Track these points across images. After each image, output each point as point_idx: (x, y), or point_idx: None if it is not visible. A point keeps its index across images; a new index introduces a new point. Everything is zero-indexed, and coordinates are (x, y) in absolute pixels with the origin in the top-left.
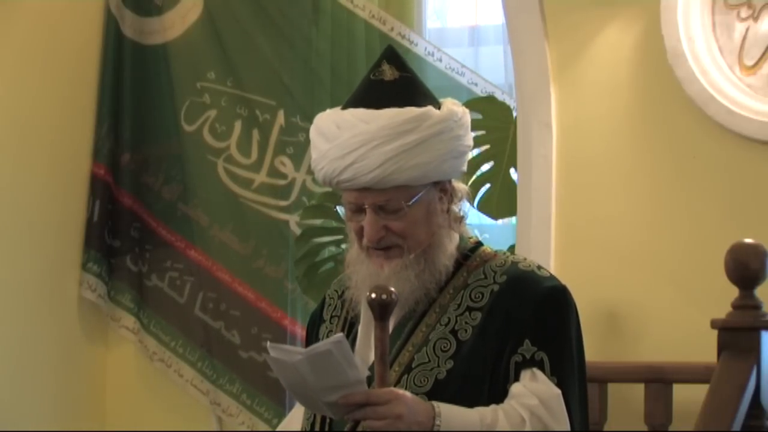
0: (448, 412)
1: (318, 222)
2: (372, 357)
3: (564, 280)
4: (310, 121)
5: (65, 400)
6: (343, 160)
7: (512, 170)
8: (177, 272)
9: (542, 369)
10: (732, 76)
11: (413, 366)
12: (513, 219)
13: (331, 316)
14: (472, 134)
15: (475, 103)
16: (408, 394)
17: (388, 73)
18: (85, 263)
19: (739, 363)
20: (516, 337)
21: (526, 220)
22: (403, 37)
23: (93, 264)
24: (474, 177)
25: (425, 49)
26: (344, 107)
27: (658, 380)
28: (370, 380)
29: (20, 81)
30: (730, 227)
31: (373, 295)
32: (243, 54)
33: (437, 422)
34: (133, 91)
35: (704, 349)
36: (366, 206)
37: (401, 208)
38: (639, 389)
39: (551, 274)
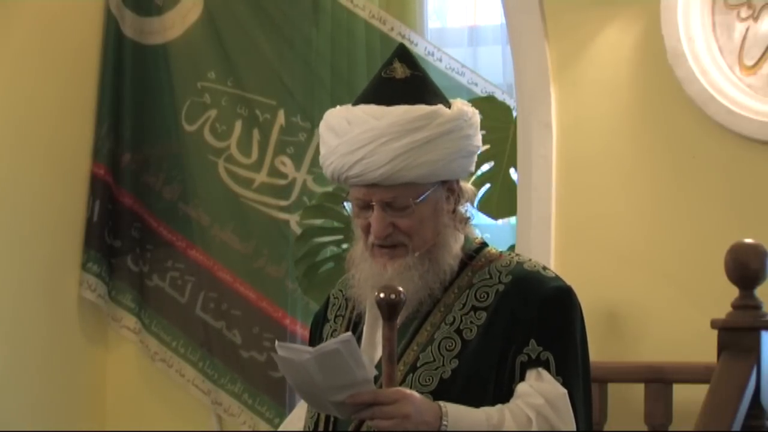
0: (455, 412)
1: (318, 222)
2: (377, 356)
3: (564, 280)
4: (311, 120)
5: (65, 400)
6: (352, 155)
7: (512, 170)
8: (178, 272)
9: (548, 369)
10: (732, 76)
11: (418, 365)
12: (513, 219)
13: (336, 316)
14: None
15: (475, 103)
16: (415, 393)
17: (400, 71)
18: (85, 263)
19: (739, 363)
20: (521, 337)
21: (526, 220)
22: (403, 37)
23: (93, 264)
24: (474, 177)
25: (425, 49)
26: (355, 103)
27: (658, 380)
28: (376, 379)
29: (20, 81)
30: (730, 227)
31: (382, 295)
32: (243, 54)
33: (444, 422)
34: (134, 91)
35: (704, 349)
36: (373, 203)
37: (409, 206)
38: (639, 389)
39: (556, 275)
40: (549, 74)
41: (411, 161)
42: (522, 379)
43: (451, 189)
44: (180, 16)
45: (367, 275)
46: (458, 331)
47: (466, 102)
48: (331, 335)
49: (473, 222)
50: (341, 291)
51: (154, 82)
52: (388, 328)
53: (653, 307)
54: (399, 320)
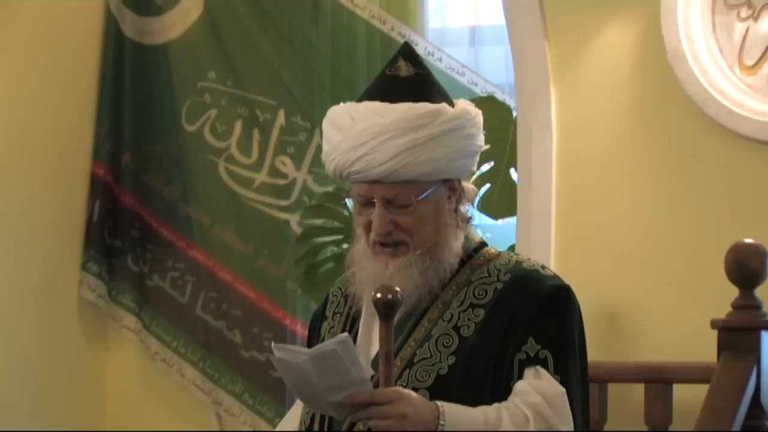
0: (453, 411)
1: (318, 222)
2: (373, 353)
3: (564, 280)
4: (311, 120)
5: (65, 400)
6: (355, 151)
7: (512, 170)
8: (178, 272)
9: (546, 367)
10: (732, 76)
11: (415, 361)
12: (513, 219)
13: (334, 313)
14: None
15: (475, 103)
16: (413, 393)
17: (404, 69)
18: (85, 263)
19: (739, 363)
20: (520, 335)
21: (526, 220)
22: (404, 37)
23: (93, 264)
24: (474, 177)
25: (425, 49)
26: (359, 100)
27: (658, 380)
28: (372, 378)
29: (20, 81)
30: (730, 227)
31: (379, 295)
32: (243, 54)
33: (441, 422)
34: (134, 91)
35: (704, 349)
36: (375, 200)
37: (410, 203)
38: (639, 389)
39: (555, 274)
40: (549, 74)
41: (413, 158)
42: (520, 377)
43: (452, 188)
44: (180, 16)
45: (369, 273)
46: (456, 328)
47: (469, 102)
48: (329, 332)
49: (474, 222)
50: (340, 289)
51: (154, 82)
52: (385, 328)
53: (653, 307)
54: (397, 316)
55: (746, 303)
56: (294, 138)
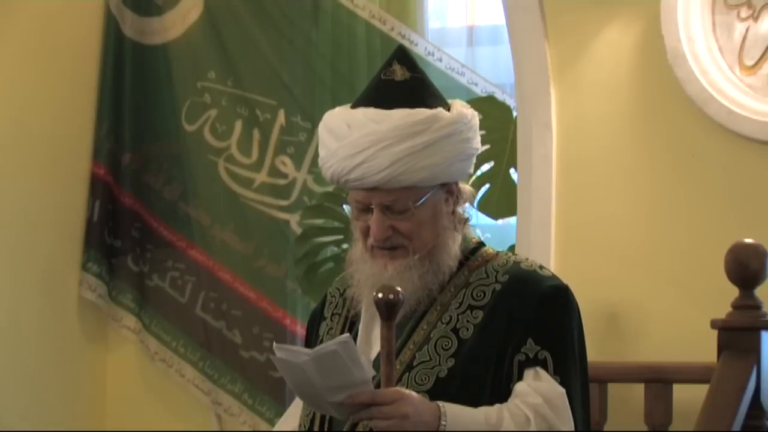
0: (454, 411)
1: (318, 222)
2: (372, 355)
3: (564, 280)
4: (311, 120)
5: (65, 400)
6: (352, 159)
7: (512, 170)
8: (178, 272)
9: (545, 368)
10: (732, 76)
11: (414, 364)
12: (513, 219)
13: (332, 314)
14: None
15: (475, 103)
16: (414, 393)
17: (399, 73)
18: (85, 263)
19: (739, 363)
20: (519, 336)
21: (526, 220)
22: (404, 37)
23: (93, 264)
24: (474, 177)
25: (425, 49)
26: (354, 106)
27: (658, 380)
28: (373, 379)
29: (20, 81)
30: (730, 227)
31: (380, 295)
32: (243, 54)
33: (443, 422)
34: (134, 91)
35: (704, 349)
36: (373, 206)
37: (408, 209)
38: (639, 389)
39: (553, 274)
40: (549, 74)
41: (411, 165)
42: (520, 378)
43: (450, 191)
44: (180, 16)
45: (367, 275)
46: (455, 330)
47: (465, 104)
48: (328, 333)
49: (473, 222)
50: (338, 289)
51: (154, 82)
52: (386, 328)
53: (653, 307)
54: (396, 320)
55: (746, 303)
56: (294, 138)
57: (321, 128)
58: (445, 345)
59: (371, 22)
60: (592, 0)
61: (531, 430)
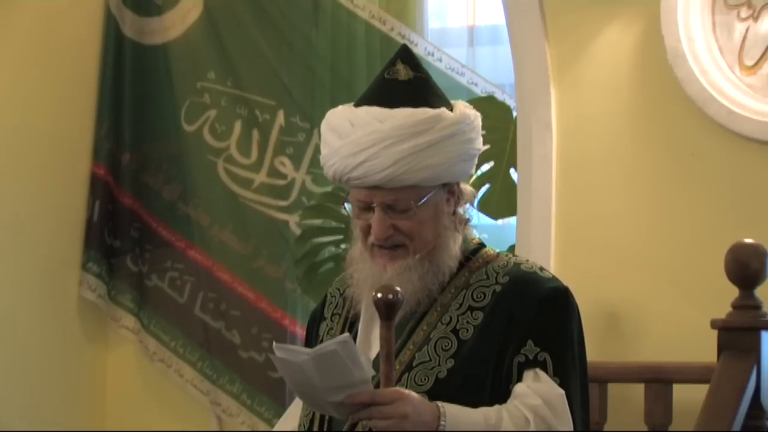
0: (453, 412)
1: (318, 222)
2: (372, 355)
3: (564, 280)
4: (310, 121)
5: (65, 400)
6: (355, 157)
7: (512, 170)
8: (177, 272)
9: (545, 369)
10: (732, 76)
11: (414, 365)
12: (513, 219)
13: (332, 314)
14: None
15: (475, 103)
16: (413, 393)
17: (403, 72)
18: (85, 263)
19: (739, 363)
20: (519, 337)
21: (526, 220)
22: (403, 37)
23: (93, 264)
24: (474, 177)
25: (425, 49)
26: (357, 104)
27: (658, 380)
28: (373, 379)
29: (20, 81)
30: (730, 227)
31: (379, 295)
32: (243, 54)
33: (442, 422)
34: (133, 91)
35: (704, 349)
36: (375, 205)
37: (410, 208)
38: (639, 389)
39: (553, 275)
40: (549, 74)
41: (414, 165)
42: (519, 379)
43: (451, 191)
44: (180, 16)
45: (367, 275)
46: (455, 331)
47: (467, 104)
48: (328, 333)
49: (473, 222)
50: (338, 289)
51: (154, 82)
52: (385, 328)
53: (653, 307)
54: (395, 320)
55: (746, 303)
56: (293, 138)
57: (324, 126)
58: (445, 346)
59: (371, 22)
60: (592, 0)
61: (530, 430)
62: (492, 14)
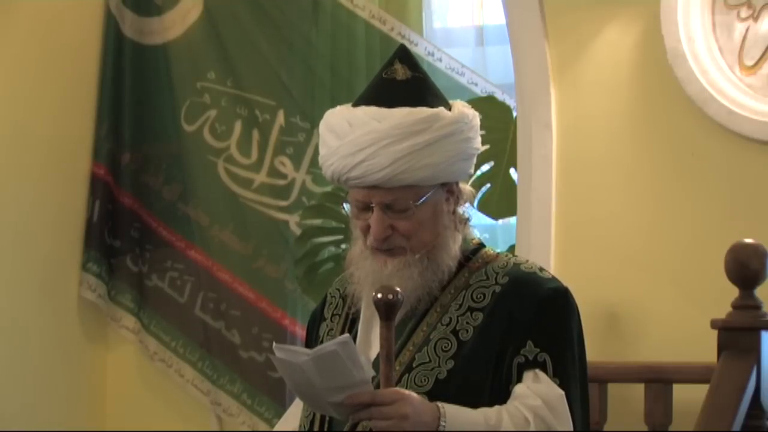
0: (453, 412)
1: (318, 222)
2: (372, 355)
3: (564, 281)
4: (310, 121)
5: (65, 400)
6: (353, 157)
7: (512, 170)
8: (177, 272)
9: (545, 370)
10: (732, 76)
11: (414, 365)
12: (513, 219)
13: (332, 315)
14: None
15: (475, 103)
16: (413, 394)
17: (401, 72)
18: (85, 263)
19: (739, 363)
20: (518, 338)
21: (526, 220)
22: (403, 37)
23: (93, 264)
24: (474, 177)
25: (425, 48)
26: (355, 104)
27: (658, 380)
28: (373, 380)
29: (20, 81)
30: (730, 227)
31: (379, 295)
32: (243, 54)
33: (442, 422)
34: (133, 91)
35: (704, 349)
36: (373, 204)
37: (409, 208)
38: (639, 389)
39: (553, 276)
40: (549, 74)
41: (412, 164)
42: (519, 380)
43: (450, 191)
44: (180, 16)
45: (367, 272)
46: (454, 332)
47: (466, 104)
48: (328, 334)
49: (473, 222)
50: (338, 289)
51: (154, 82)
52: (385, 328)
53: (653, 307)
54: (395, 320)
55: (746, 303)
56: (293, 138)
57: (322, 127)
58: (445, 347)
59: (371, 22)
60: (592, 0)
61: (530, 431)
62: (492, 14)
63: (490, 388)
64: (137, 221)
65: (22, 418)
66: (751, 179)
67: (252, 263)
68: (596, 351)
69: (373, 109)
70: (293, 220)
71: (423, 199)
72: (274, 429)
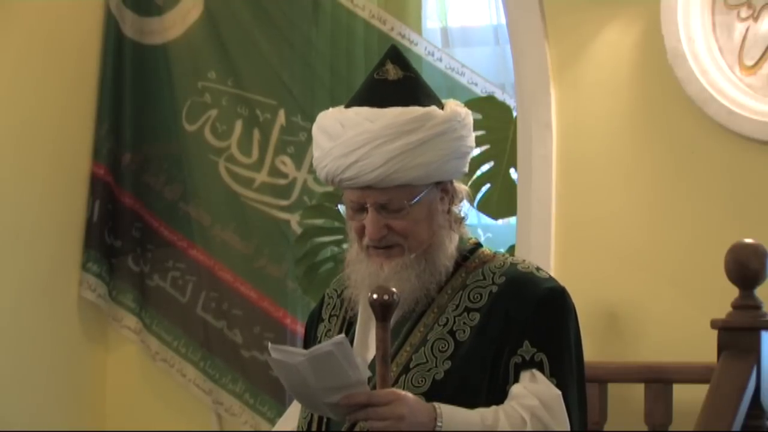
0: (450, 412)
1: (319, 222)
2: (369, 356)
3: (564, 281)
4: (311, 120)
5: (65, 400)
6: (346, 158)
7: (512, 170)
8: (179, 272)
9: (541, 370)
10: (732, 76)
11: (411, 366)
12: (513, 219)
13: (330, 315)
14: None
15: (475, 103)
16: (410, 394)
17: (392, 72)
18: (85, 263)
19: (739, 363)
20: (515, 338)
21: (526, 220)
22: (403, 36)
23: (93, 264)
24: (474, 177)
25: (425, 48)
26: (348, 105)
27: (658, 380)
28: (370, 381)
29: (20, 81)
30: (730, 227)
31: (375, 296)
32: (243, 54)
33: (439, 423)
34: (134, 91)
35: (704, 349)
36: (368, 205)
37: (403, 208)
38: (639, 389)
39: (550, 276)
40: (549, 74)
41: (405, 163)
42: (516, 380)
43: (445, 190)
44: (180, 16)
45: (364, 275)
46: (451, 333)
47: (459, 103)
48: (326, 335)
49: (473, 222)
50: (336, 290)
51: (154, 82)
52: (381, 329)
53: (653, 307)
54: (392, 320)
55: (746, 303)
56: (294, 138)
57: (315, 129)
58: (442, 347)
59: (371, 21)
60: (592, 0)
61: (527, 431)
62: (493, 14)
63: (487, 388)
64: (138, 221)
65: (22, 419)
66: (751, 179)
67: (253, 263)
68: (596, 351)
69: (365, 110)
70: (294, 220)
71: (417, 198)
72: (274, 429)
